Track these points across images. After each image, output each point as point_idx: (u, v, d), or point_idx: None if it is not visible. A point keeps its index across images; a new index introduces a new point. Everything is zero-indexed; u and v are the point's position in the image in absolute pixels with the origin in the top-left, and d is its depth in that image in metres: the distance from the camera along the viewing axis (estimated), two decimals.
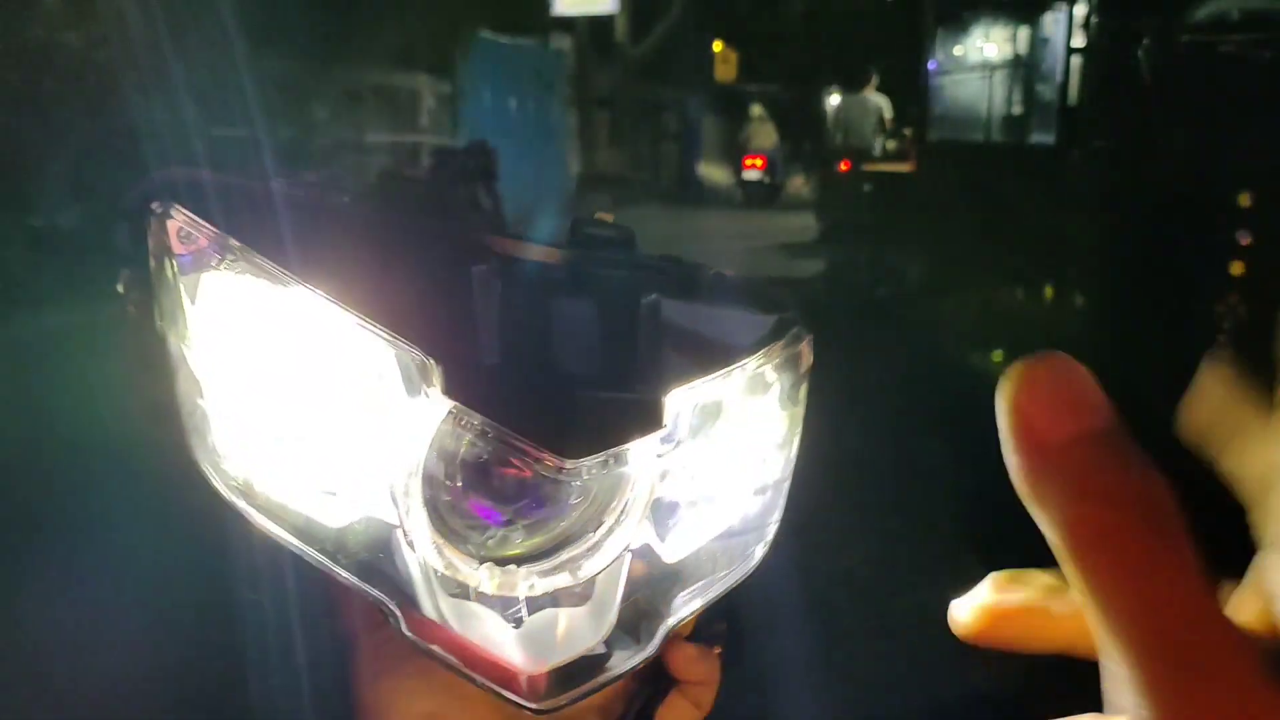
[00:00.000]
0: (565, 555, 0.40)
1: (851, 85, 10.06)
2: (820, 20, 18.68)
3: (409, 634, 0.38)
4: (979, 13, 5.51)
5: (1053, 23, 5.20)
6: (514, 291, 0.44)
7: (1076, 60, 5.13)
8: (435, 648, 0.39)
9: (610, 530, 0.41)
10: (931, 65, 5.66)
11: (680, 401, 0.41)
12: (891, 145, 9.00)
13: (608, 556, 0.41)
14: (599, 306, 0.45)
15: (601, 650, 0.41)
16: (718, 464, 0.45)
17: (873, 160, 8.81)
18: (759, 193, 16.71)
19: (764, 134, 17.54)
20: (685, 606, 0.45)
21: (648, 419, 0.40)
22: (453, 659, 0.39)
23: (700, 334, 0.47)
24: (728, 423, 0.44)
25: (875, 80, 9.94)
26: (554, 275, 0.46)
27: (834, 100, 10.19)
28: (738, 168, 17.86)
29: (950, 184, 5.22)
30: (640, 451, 0.41)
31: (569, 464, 0.39)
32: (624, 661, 0.42)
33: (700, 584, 0.46)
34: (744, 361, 0.45)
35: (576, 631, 0.41)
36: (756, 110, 18.34)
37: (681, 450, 0.42)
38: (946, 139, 5.85)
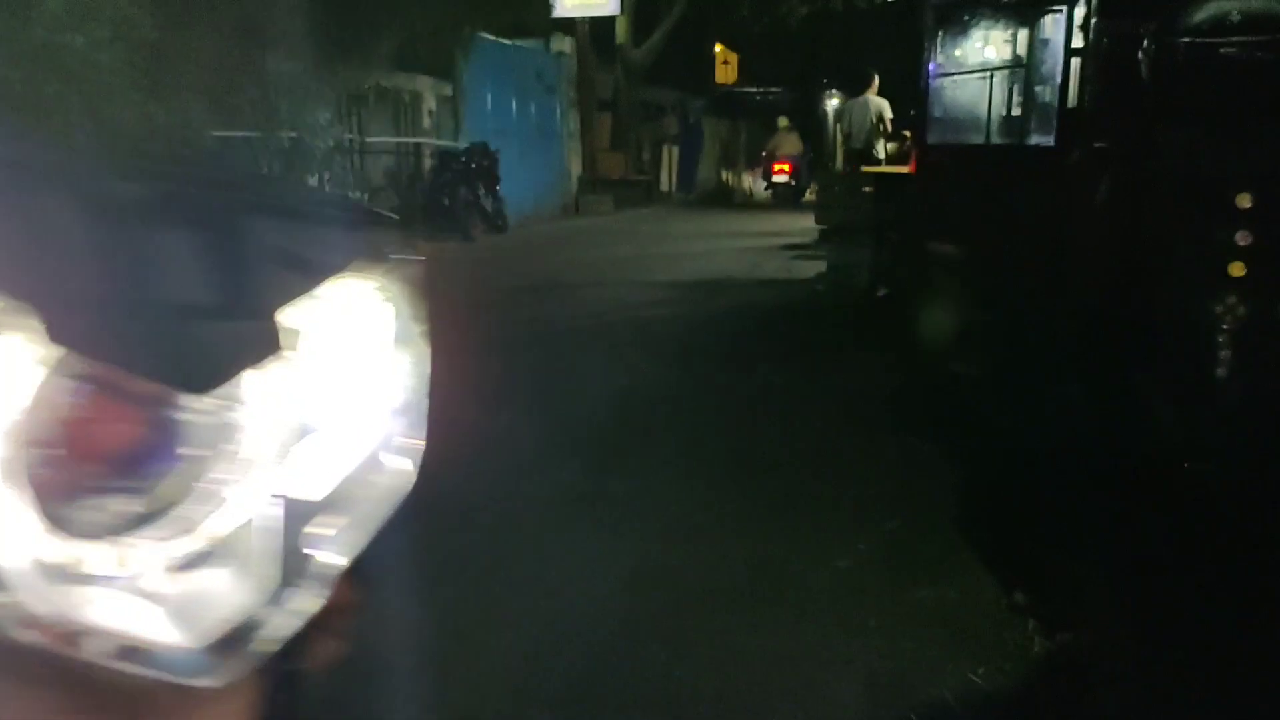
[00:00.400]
0: (197, 512, 0.35)
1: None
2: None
3: (26, 637, 0.32)
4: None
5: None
6: (87, 217, 0.38)
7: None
8: (61, 645, 0.33)
9: (243, 474, 0.36)
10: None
11: (296, 321, 0.37)
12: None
13: (249, 505, 0.36)
14: (190, 228, 0.40)
15: (265, 608, 0.36)
16: (345, 387, 0.41)
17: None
18: (786, 193, 17.60)
19: (790, 143, 18.14)
20: (345, 543, 0.39)
21: (263, 344, 0.36)
22: (90, 652, 0.33)
23: (304, 253, 0.41)
24: (348, 342, 0.40)
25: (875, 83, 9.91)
26: (134, 197, 0.40)
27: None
28: (766, 172, 18.62)
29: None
30: (261, 381, 0.36)
31: (192, 402, 0.34)
32: (292, 615, 0.37)
33: (355, 515, 0.40)
34: (353, 276, 0.40)
35: (233, 594, 0.36)
36: (783, 121, 18.86)
37: (305, 375, 0.37)
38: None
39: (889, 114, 9.78)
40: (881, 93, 9.64)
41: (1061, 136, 4.25)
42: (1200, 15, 2.77)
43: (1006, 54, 5.47)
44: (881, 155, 9.67)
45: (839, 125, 10.51)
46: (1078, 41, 3.95)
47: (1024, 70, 5.11)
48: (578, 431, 3.68)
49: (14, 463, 0.31)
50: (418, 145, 11.80)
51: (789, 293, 7.14)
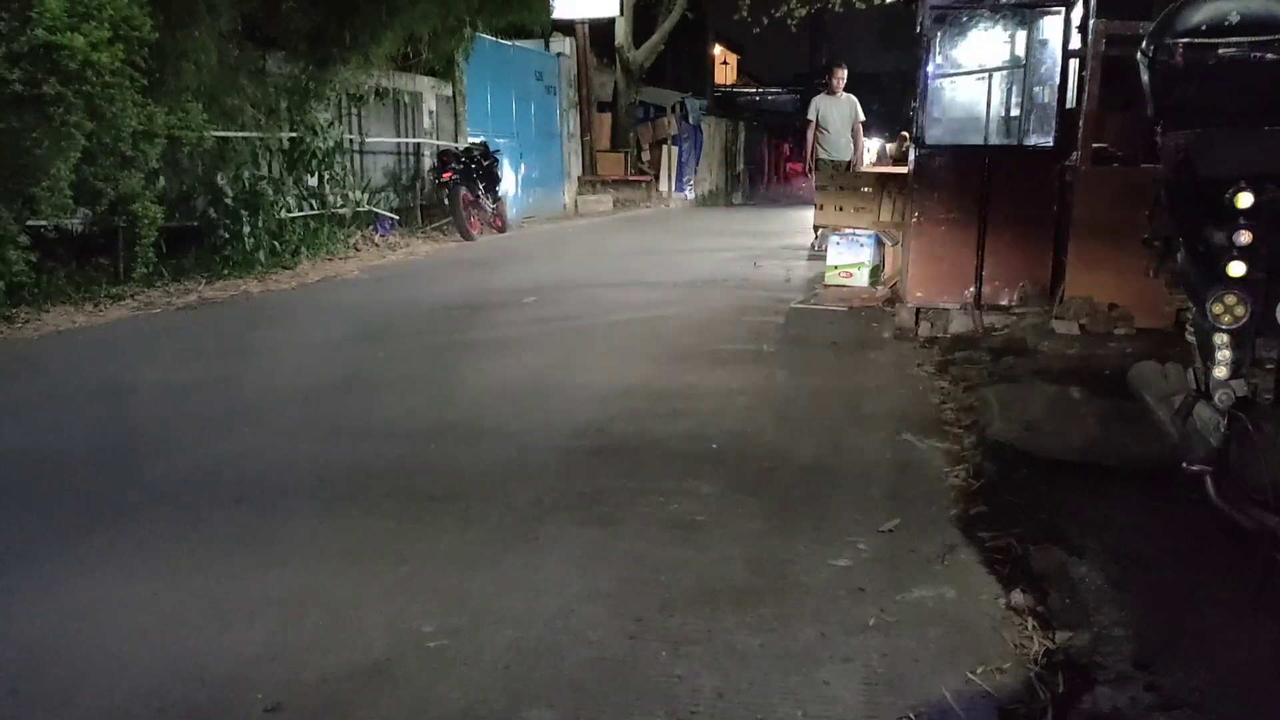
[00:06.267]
0: None
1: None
2: None
3: None
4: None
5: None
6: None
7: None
8: None
9: None
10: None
11: None
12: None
13: None
14: None
15: None
16: None
17: None
18: None
19: None
20: None
21: None
22: None
23: None
24: None
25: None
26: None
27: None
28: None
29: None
30: None
31: None
32: None
33: None
34: None
35: None
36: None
37: None
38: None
39: (861, 114, 9.29)
40: (878, 94, 9.34)
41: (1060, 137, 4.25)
42: (1198, 16, 2.77)
43: (1005, 55, 5.48)
44: (862, 161, 9.15)
45: (811, 130, 9.46)
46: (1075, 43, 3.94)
47: (1022, 72, 5.11)
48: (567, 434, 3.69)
49: None
50: (418, 145, 11.80)
51: (788, 294, 7.13)
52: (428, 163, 11.89)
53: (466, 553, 2.60)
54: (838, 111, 9.22)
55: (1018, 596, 2.29)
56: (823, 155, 9.22)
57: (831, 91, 9.32)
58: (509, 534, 2.72)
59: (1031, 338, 4.96)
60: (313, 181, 9.43)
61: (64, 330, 5.78)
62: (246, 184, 8.25)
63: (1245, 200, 2.28)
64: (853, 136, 9.27)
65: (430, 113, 12.05)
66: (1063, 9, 5.14)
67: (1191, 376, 2.57)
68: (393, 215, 10.72)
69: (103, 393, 4.37)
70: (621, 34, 17.99)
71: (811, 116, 9.39)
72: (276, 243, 8.43)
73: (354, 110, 10.44)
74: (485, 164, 11.65)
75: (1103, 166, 4.98)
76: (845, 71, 9.35)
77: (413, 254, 9.94)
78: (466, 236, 11.01)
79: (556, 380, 4.57)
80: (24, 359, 5.12)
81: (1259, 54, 2.69)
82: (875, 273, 6.84)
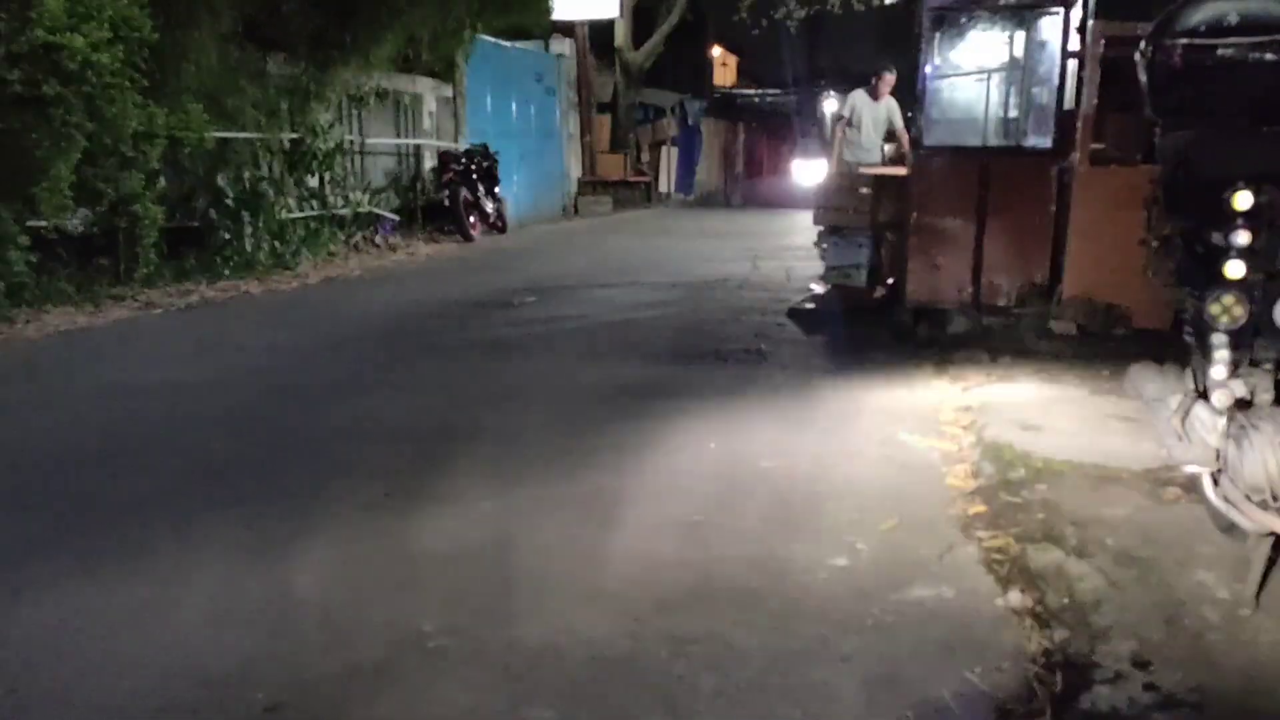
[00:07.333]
0: None
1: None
2: None
3: None
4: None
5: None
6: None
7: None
8: None
9: None
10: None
11: None
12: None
13: None
14: None
15: None
16: None
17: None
18: None
19: None
20: None
21: None
22: None
23: None
24: None
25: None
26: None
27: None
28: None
29: None
30: None
31: None
32: None
33: None
34: None
35: None
36: None
37: None
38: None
39: (899, 120, 8.52)
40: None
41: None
42: (1197, 16, 2.78)
43: (1004, 56, 5.47)
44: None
45: (839, 126, 8.79)
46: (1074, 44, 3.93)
47: (1020, 73, 5.11)
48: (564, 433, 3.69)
49: None
50: (418, 147, 11.81)
51: (787, 294, 7.14)
52: (428, 164, 11.89)
53: (465, 552, 2.60)
54: (872, 115, 8.57)
55: (1016, 596, 2.29)
56: (848, 157, 8.59)
57: (875, 95, 8.59)
58: (508, 534, 2.73)
59: (1030, 338, 4.97)
60: (313, 182, 9.44)
61: (65, 331, 5.78)
62: (247, 185, 8.25)
63: (1244, 200, 2.28)
64: (898, 138, 8.45)
65: (430, 114, 12.06)
66: (1061, 10, 5.15)
67: (1190, 377, 2.58)
68: (393, 216, 10.73)
69: (103, 394, 4.38)
70: (621, 35, 18.00)
71: (845, 113, 8.73)
72: (277, 243, 8.44)
73: (354, 111, 10.44)
74: (485, 165, 11.66)
75: (1101, 167, 4.98)
76: (893, 76, 8.57)
77: (413, 255, 9.95)
78: (467, 237, 11.01)
79: (555, 379, 4.57)
80: (24, 360, 5.13)
81: (1258, 54, 2.70)
82: (874, 273, 6.83)
